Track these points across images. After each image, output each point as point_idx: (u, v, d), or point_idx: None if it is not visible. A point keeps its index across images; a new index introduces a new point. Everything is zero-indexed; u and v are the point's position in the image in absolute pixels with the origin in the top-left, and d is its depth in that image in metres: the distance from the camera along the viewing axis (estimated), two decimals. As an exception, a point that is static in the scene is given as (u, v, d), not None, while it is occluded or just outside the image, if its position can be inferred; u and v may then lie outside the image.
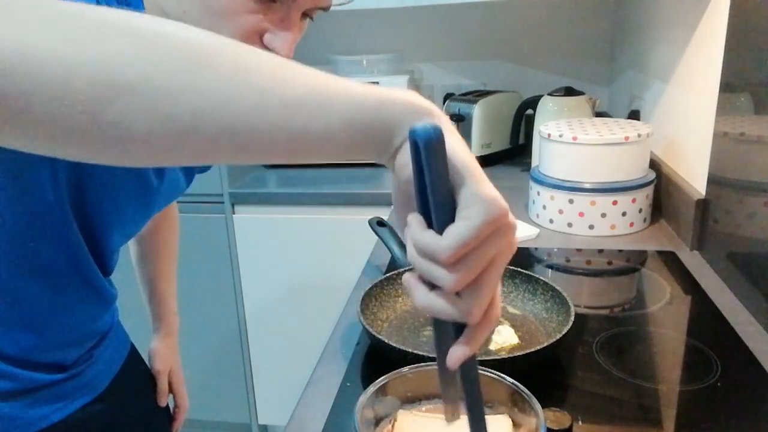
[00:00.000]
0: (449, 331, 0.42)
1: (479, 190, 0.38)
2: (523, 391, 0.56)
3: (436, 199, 0.38)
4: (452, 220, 0.38)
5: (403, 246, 1.05)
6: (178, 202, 0.98)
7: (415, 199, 0.41)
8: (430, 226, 0.40)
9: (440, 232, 0.38)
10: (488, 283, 0.39)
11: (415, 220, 0.40)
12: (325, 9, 0.62)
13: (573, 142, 1.20)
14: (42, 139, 0.35)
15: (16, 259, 0.63)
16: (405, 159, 0.41)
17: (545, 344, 0.73)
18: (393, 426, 0.58)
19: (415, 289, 0.41)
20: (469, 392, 0.44)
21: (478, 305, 0.39)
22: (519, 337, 0.84)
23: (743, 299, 0.93)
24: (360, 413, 0.55)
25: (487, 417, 0.51)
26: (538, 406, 0.54)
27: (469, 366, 0.43)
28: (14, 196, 0.58)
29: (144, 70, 0.34)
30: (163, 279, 1.02)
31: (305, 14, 0.61)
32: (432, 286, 0.40)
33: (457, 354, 0.41)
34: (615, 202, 1.20)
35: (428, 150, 0.37)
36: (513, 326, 0.87)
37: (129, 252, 1.01)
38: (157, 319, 1.03)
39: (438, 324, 0.45)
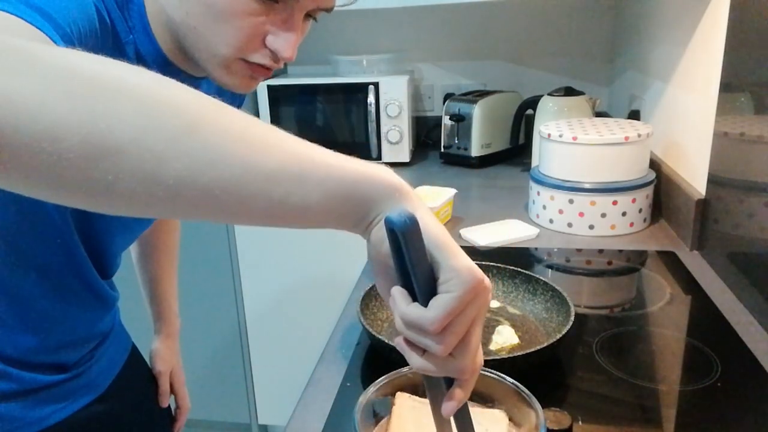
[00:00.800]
0: (441, 383, 0.47)
1: (457, 263, 0.41)
2: (523, 391, 0.57)
3: (417, 276, 0.41)
4: (434, 292, 0.42)
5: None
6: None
7: (395, 272, 0.44)
8: (412, 297, 0.43)
9: (424, 303, 0.42)
10: (473, 340, 0.44)
11: (398, 294, 0.44)
12: (328, 10, 0.62)
13: (573, 142, 1.20)
14: (29, 187, 0.35)
15: (15, 259, 0.63)
16: (381, 234, 0.43)
17: (545, 344, 0.73)
18: (392, 408, 0.58)
19: (410, 355, 0.45)
20: (462, 427, 0.49)
21: (467, 362, 0.44)
22: (519, 337, 0.84)
23: (743, 299, 0.93)
24: (360, 413, 0.55)
25: (483, 411, 0.53)
26: (538, 405, 0.54)
27: (461, 410, 0.47)
28: (11, 197, 0.58)
29: (135, 132, 0.34)
30: (164, 280, 1.02)
31: (308, 15, 0.61)
32: (424, 350, 0.44)
33: (452, 405, 0.45)
34: (615, 202, 1.20)
35: (405, 237, 0.40)
36: (513, 326, 0.87)
37: (130, 253, 1.01)
38: (159, 320, 1.02)
39: (429, 378, 0.49)
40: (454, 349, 0.43)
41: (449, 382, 0.46)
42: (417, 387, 0.60)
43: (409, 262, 0.41)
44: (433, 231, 0.42)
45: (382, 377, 0.59)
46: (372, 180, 0.42)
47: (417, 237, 0.40)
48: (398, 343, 0.45)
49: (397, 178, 0.44)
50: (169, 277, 1.03)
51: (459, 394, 0.45)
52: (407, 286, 0.43)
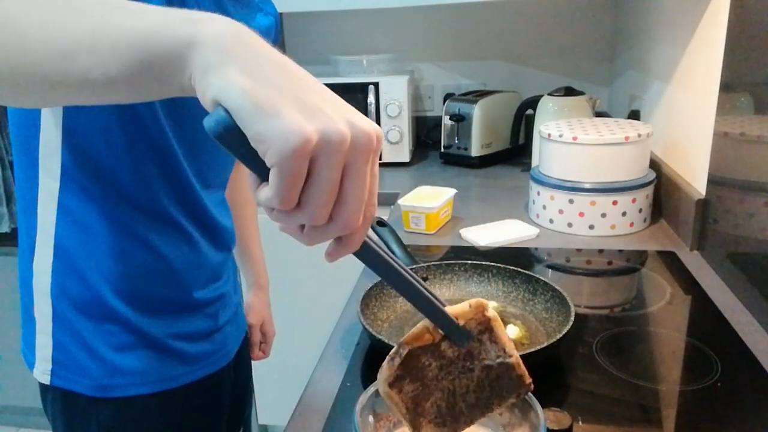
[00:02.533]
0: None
1: (264, 128, 0.35)
2: None
3: (249, 163, 0.37)
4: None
5: (403, 246, 1.05)
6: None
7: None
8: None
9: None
10: (349, 196, 0.38)
11: (249, 178, 0.39)
12: None
13: (573, 142, 1.20)
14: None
15: (116, 197, 0.72)
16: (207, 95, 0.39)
17: (545, 344, 0.73)
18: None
19: (296, 234, 0.40)
20: (397, 286, 0.44)
21: (349, 219, 0.38)
22: (519, 337, 0.84)
23: (743, 299, 0.93)
24: (360, 413, 0.55)
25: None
26: (538, 406, 0.54)
27: (377, 263, 0.43)
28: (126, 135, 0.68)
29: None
30: (249, 235, 1.08)
31: None
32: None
33: (332, 253, 0.41)
34: (615, 202, 1.20)
35: (223, 142, 0.36)
36: (514, 326, 0.87)
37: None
38: (249, 274, 1.09)
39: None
40: (332, 211, 0.38)
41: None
42: None
43: (238, 155, 0.37)
44: (243, 104, 0.35)
45: None
46: (160, 38, 0.39)
47: (235, 134, 0.36)
48: (282, 229, 0.40)
49: (189, 27, 0.38)
50: (254, 231, 1.09)
51: (344, 244, 0.40)
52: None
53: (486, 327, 0.47)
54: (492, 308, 0.47)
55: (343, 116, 0.37)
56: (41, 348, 0.75)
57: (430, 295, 0.45)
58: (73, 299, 0.73)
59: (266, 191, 0.37)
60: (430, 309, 0.45)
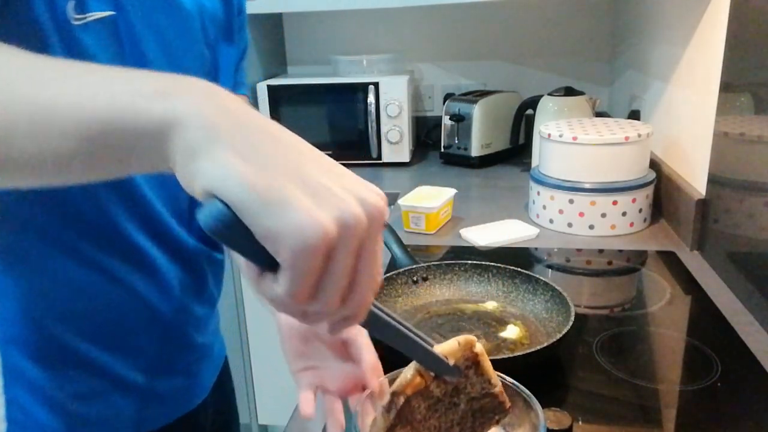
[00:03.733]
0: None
1: (273, 225, 0.31)
2: (522, 391, 0.56)
3: (250, 258, 0.33)
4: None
5: (403, 246, 1.05)
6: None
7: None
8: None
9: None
10: (366, 277, 0.34)
11: (249, 271, 0.34)
12: None
13: (573, 142, 1.20)
14: None
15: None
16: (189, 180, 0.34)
17: (545, 344, 0.73)
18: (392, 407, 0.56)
19: (299, 317, 0.35)
20: (390, 338, 0.43)
21: (362, 301, 0.35)
22: (519, 337, 0.84)
23: (743, 299, 0.93)
24: (360, 413, 0.55)
25: None
26: (538, 406, 0.54)
27: (378, 326, 0.41)
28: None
29: None
30: None
31: None
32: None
33: (337, 329, 0.38)
34: (615, 202, 1.20)
35: (221, 238, 0.32)
36: (514, 326, 0.87)
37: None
38: None
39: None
40: (346, 300, 0.35)
41: None
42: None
43: (240, 251, 0.33)
44: (247, 197, 0.31)
45: (383, 377, 0.59)
46: (126, 119, 0.33)
47: (237, 230, 0.31)
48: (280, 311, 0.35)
49: (163, 103, 0.33)
50: None
51: (357, 318, 0.37)
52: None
53: (473, 362, 0.47)
54: (479, 344, 0.47)
55: (352, 191, 0.33)
56: None
57: (423, 342, 0.44)
58: (24, 346, 0.61)
59: (276, 288, 0.33)
60: (425, 356, 0.45)
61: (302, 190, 0.31)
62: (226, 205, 0.31)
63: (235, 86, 0.79)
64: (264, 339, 1.84)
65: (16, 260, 0.59)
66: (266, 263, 0.33)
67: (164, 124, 0.33)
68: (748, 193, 0.94)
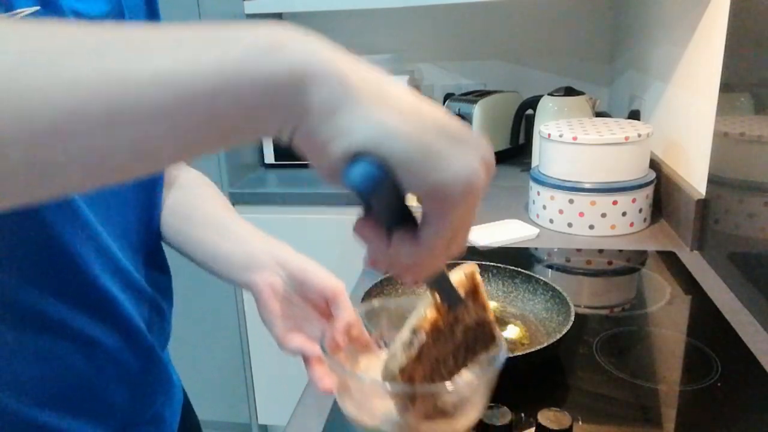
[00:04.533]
0: None
1: (436, 180, 0.30)
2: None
3: (391, 221, 0.34)
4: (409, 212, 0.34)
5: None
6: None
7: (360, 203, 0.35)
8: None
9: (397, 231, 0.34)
10: (469, 226, 0.35)
11: (372, 234, 0.34)
12: None
13: (573, 142, 1.20)
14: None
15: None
16: (312, 147, 0.31)
17: (545, 344, 0.73)
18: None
19: (402, 273, 0.36)
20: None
21: (459, 249, 0.36)
22: (519, 337, 0.84)
23: (743, 299, 0.93)
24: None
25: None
26: (499, 332, 0.52)
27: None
28: None
29: None
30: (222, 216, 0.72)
31: None
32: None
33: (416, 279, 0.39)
34: (615, 202, 1.20)
35: (372, 197, 0.32)
36: (514, 326, 0.87)
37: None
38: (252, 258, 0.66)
39: None
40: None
41: None
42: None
43: (382, 210, 0.33)
44: (412, 154, 0.30)
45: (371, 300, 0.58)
46: (242, 79, 0.29)
47: (389, 191, 0.31)
48: (380, 270, 0.36)
49: (279, 55, 0.29)
50: (229, 210, 0.73)
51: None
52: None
53: (473, 291, 0.49)
54: (478, 273, 0.49)
55: (473, 141, 0.32)
56: None
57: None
58: None
59: (413, 247, 0.33)
60: (449, 289, 0.46)
61: (447, 141, 0.31)
62: (378, 165, 0.30)
63: None
64: (264, 339, 1.84)
65: None
66: (397, 221, 0.34)
67: (293, 79, 0.29)
68: (748, 193, 0.94)
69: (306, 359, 0.57)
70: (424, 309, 0.46)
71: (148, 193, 0.62)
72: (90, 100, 0.28)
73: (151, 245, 0.64)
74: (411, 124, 0.30)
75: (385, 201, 0.32)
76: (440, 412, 0.50)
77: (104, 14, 0.55)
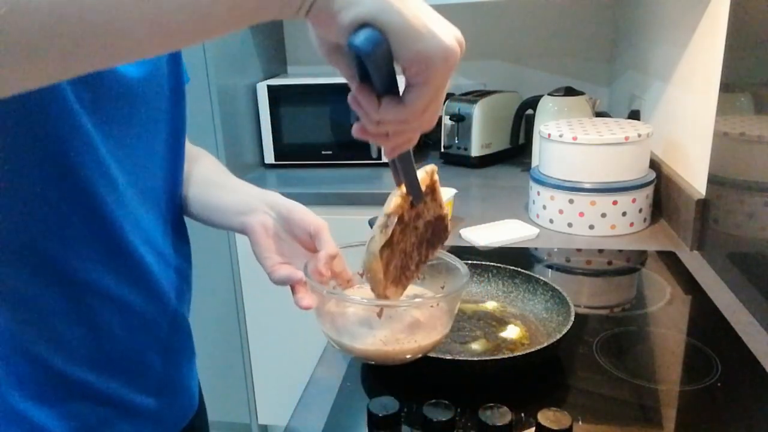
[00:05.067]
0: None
1: (424, 47, 0.39)
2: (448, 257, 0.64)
3: (384, 84, 0.41)
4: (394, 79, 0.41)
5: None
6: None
7: (351, 64, 0.43)
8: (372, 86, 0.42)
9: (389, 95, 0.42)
10: (441, 100, 0.43)
11: (364, 98, 0.42)
12: None
13: (573, 142, 1.20)
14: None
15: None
16: (322, 21, 0.39)
17: (545, 344, 0.73)
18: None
19: (382, 140, 0.46)
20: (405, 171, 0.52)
21: (433, 119, 0.45)
22: (519, 337, 0.84)
23: (743, 299, 0.93)
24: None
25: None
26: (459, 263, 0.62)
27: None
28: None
29: None
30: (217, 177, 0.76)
31: None
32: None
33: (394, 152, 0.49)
34: (615, 202, 1.20)
35: (371, 60, 0.39)
36: (514, 326, 0.87)
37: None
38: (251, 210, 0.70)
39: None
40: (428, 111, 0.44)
41: None
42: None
43: (376, 73, 0.40)
44: (404, 24, 0.38)
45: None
46: None
47: (384, 56, 0.39)
48: (361, 136, 0.45)
49: None
50: (226, 174, 0.77)
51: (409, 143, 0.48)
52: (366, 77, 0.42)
53: (432, 188, 0.56)
54: (437, 172, 0.57)
55: (451, 26, 0.41)
56: None
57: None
58: (22, 385, 0.55)
59: (396, 109, 0.41)
60: (414, 182, 0.53)
61: (431, 22, 0.39)
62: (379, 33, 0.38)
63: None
64: (264, 339, 1.84)
65: None
66: (387, 88, 0.41)
67: None
68: (748, 193, 0.94)
69: (292, 288, 0.65)
70: (394, 198, 0.53)
71: (174, 167, 0.67)
72: None
73: (176, 215, 0.69)
74: (405, 4, 0.38)
75: (380, 63, 0.39)
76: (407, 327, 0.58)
77: None
